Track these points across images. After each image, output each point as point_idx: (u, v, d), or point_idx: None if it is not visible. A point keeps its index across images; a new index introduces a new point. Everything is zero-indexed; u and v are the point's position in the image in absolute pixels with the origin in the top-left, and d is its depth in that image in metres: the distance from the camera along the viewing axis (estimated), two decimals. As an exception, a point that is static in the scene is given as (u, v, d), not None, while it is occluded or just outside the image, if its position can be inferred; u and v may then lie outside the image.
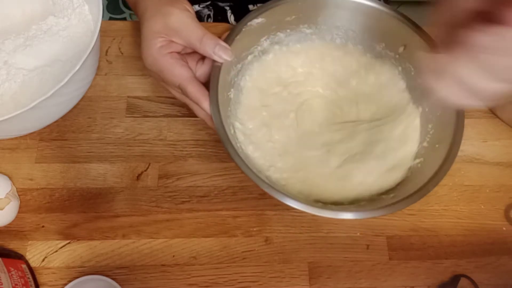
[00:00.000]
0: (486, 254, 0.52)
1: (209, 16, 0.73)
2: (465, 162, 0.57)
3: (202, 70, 0.48)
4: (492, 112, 0.60)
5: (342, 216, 0.42)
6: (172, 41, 0.47)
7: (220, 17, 0.72)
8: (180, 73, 0.46)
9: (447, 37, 0.36)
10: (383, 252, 0.52)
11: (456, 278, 0.51)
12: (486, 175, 0.56)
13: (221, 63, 0.47)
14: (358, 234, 0.52)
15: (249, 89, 0.53)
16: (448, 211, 0.54)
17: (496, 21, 0.32)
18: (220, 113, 0.45)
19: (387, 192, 0.48)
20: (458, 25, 0.35)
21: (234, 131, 0.49)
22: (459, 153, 0.57)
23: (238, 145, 0.47)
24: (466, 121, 0.59)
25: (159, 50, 0.46)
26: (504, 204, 0.55)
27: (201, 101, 0.45)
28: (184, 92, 0.46)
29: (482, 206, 0.55)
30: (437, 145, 0.48)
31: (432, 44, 0.49)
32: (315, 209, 0.42)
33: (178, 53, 0.47)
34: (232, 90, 0.51)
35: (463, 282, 0.51)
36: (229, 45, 0.47)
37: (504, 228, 0.54)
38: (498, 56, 0.32)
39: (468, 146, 0.58)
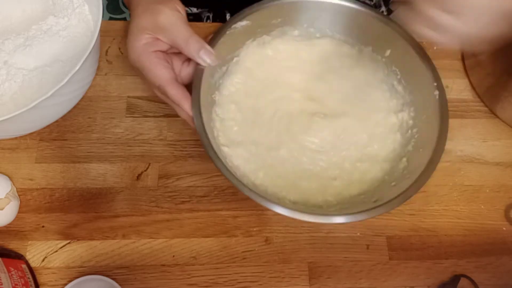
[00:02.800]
0: (486, 254, 0.52)
1: (208, 17, 0.73)
2: (465, 162, 0.57)
3: (187, 71, 0.48)
4: (492, 112, 0.60)
5: (325, 220, 0.43)
6: (158, 39, 0.46)
7: (218, 19, 0.72)
8: (161, 74, 0.46)
9: None
10: (383, 252, 0.52)
11: (456, 278, 0.51)
12: (486, 175, 0.56)
13: (205, 66, 0.47)
14: (358, 234, 0.52)
15: (231, 92, 0.53)
16: (448, 211, 0.54)
17: None
18: (202, 116, 0.45)
19: (370, 195, 0.48)
20: None
21: (218, 134, 0.49)
22: (459, 153, 0.57)
23: (222, 148, 0.47)
24: (466, 121, 0.60)
25: (143, 47, 0.46)
26: (504, 204, 0.55)
27: (182, 103, 0.45)
28: (163, 93, 0.46)
29: (482, 206, 0.55)
30: (421, 150, 0.48)
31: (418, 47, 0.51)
32: (295, 212, 0.42)
33: (164, 52, 0.47)
34: (216, 92, 0.51)
35: (463, 282, 0.51)
36: (213, 47, 0.47)
37: (504, 228, 0.54)
38: None
39: (468, 146, 0.58)
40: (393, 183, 0.48)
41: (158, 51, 0.47)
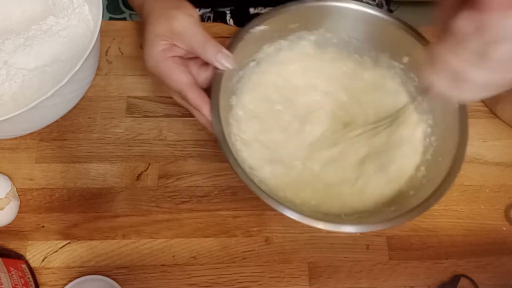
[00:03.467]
0: (486, 254, 0.52)
1: (208, 18, 0.73)
2: (465, 162, 0.56)
3: (204, 75, 0.48)
4: (492, 112, 0.60)
5: (344, 229, 0.42)
6: (175, 45, 0.46)
7: (219, 19, 0.73)
8: (181, 79, 0.45)
9: (441, 26, 0.35)
10: (383, 252, 0.52)
11: (456, 278, 0.51)
12: (486, 175, 0.56)
13: (223, 70, 0.47)
14: (358, 234, 0.52)
15: (249, 97, 0.53)
16: (448, 211, 0.54)
17: (476, 6, 0.30)
18: (221, 120, 0.45)
19: (388, 204, 0.47)
20: (451, 13, 0.33)
21: (235, 139, 0.48)
22: (459, 153, 0.57)
23: (239, 153, 0.47)
24: (466, 121, 0.59)
25: (161, 54, 0.46)
26: (504, 204, 0.55)
27: (202, 107, 0.45)
28: (184, 97, 0.46)
29: (482, 206, 0.55)
30: (440, 159, 0.48)
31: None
32: (319, 222, 0.42)
33: (181, 57, 0.47)
34: (233, 96, 0.51)
35: (463, 282, 0.51)
36: (232, 52, 0.47)
37: (504, 228, 0.54)
38: (479, 42, 0.31)
39: (468, 146, 0.57)
40: (411, 192, 0.47)
41: (175, 57, 0.46)
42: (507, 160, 0.57)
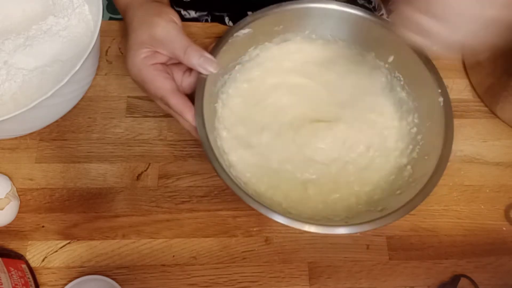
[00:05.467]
0: (486, 254, 0.52)
1: (206, 20, 0.73)
2: (465, 162, 0.57)
3: (188, 81, 0.48)
4: (492, 112, 0.60)
5: (327, 231, 0.43)
6: (157, 52, 0.46)
7: (217, 22, 0.72)
8: (163, 86, 0.45)
9: None
10: (383, 252, 0.52)
11: (456, 278, 0.51)
12: (486, 175, 0.56)
13: (207, 75, 0.46)
14: (358, 234, 0.52)
15: (234, 100, 0.52)
16: (448, 211, 0.54)
17: None
18: (205, 125, 0.44)
19: (375, 204, 0.47)
20: None
21: (221, 143, 0.48)
22: (459, 153, 0.57)
23: (225, 157, 0.47)
24: (466, 121, 0.60)
25: (143, 61, 0.46)
26: (504, 204, 0.55)
27: (185, 113, 0.45)
28: (166, 104, 0.46)
29: (482, 206, 0.55)
30: (426, 157, 0.48)
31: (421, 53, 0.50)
32: (303, 224, 0.42)
33: (163, 64, 0.47)
34: (219, 101, 0.51)
35: (463, 282, 0.51)
36: (215, 56, 0.47)
37: (504, 228, 0.54)
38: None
39: (468, 146, 0.58)
40: (398, 192, 0.47)
41: (157, 64, 0.46)
42: (507, 160, 0.58)
